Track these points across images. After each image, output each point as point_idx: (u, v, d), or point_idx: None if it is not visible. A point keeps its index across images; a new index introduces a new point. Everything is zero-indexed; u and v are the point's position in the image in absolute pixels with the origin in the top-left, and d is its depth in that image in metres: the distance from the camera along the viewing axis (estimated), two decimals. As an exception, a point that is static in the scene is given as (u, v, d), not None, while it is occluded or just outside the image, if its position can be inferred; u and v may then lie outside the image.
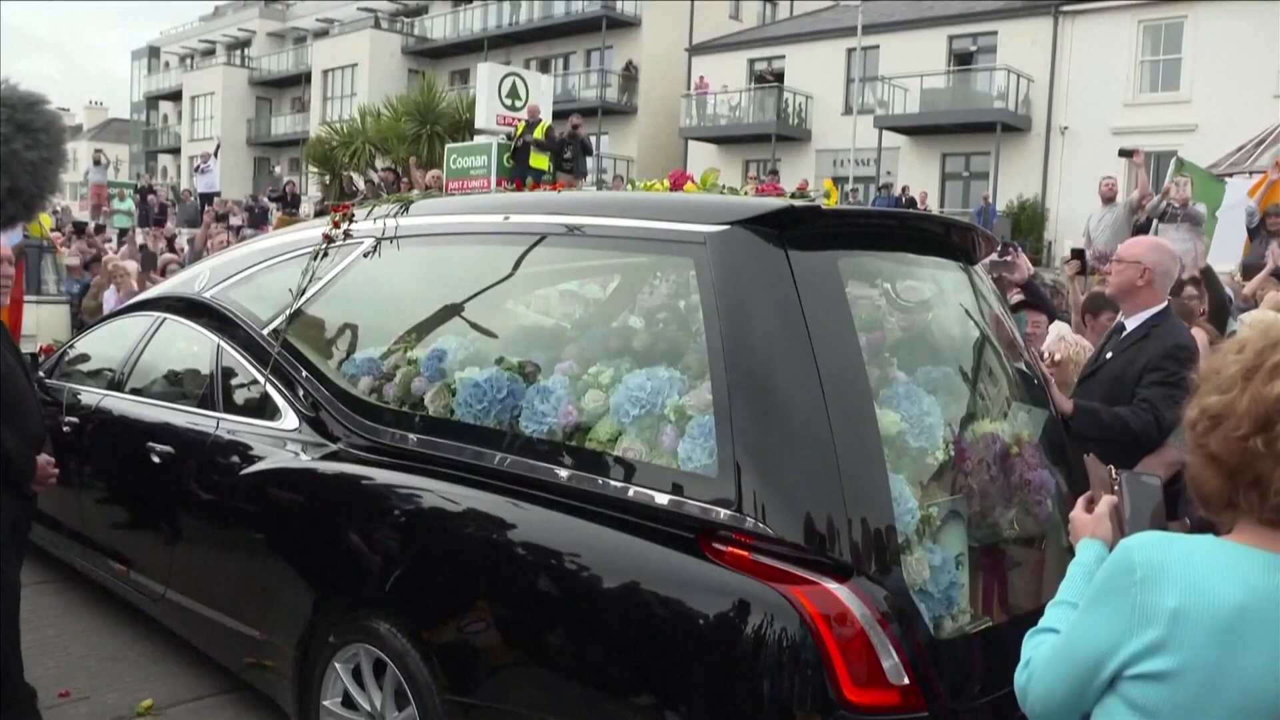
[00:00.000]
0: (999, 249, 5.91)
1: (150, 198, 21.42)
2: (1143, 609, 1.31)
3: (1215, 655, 1.26)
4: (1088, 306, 5.09)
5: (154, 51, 53.57)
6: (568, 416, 2.69)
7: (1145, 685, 1.32)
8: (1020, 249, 7.26)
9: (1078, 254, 5.72)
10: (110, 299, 8.68)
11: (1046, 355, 4.13)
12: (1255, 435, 1.29)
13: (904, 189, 22.43)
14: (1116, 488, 1.72)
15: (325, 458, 3.30)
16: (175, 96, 49.32)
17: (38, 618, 4.12)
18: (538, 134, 14.90)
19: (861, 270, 2.82)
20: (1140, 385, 3.54)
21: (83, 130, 57.85)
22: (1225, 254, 9.47)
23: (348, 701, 3.04)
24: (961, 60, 27.32)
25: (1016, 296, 5.54)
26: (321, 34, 43.12)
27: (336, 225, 3.74)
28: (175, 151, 48.26)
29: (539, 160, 14.72)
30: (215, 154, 21.76)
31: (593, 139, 19.86)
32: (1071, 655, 1.43)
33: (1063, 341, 4.29)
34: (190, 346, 4.26)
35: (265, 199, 20.59)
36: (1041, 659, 1.49)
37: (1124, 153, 11.12)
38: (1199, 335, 4.42)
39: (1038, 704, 1.50)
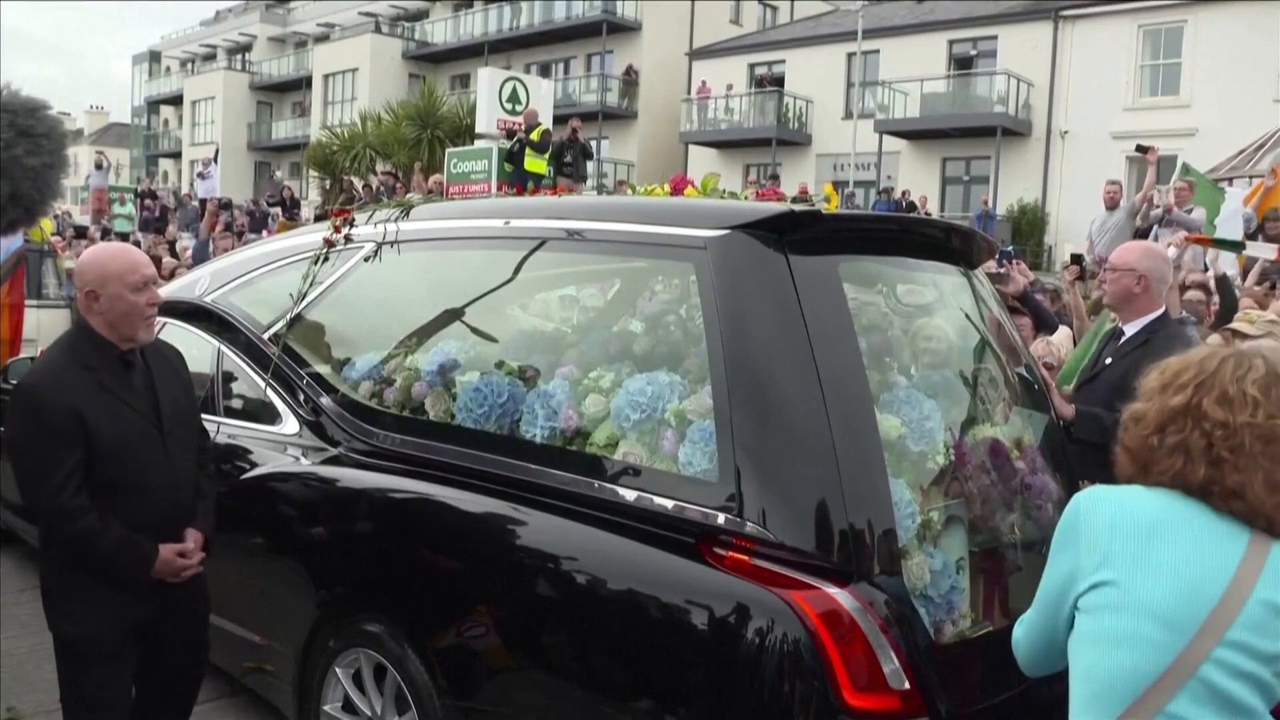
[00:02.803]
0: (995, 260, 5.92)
1: (149, 202, 21.35)
2: (1087, 534, 1.62)
3: (1138, 549, 1.57)
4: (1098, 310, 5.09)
5: (155, 56, 53.65)
6: (568, 421, 2.69)
7: (1095, 594, 1.59)
8: (1019, 259, 7.25)
9: (1076, 259, 5.69)
10: None
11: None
12: (1154, 435, 1.64)
13: (904, 193, 22.40)
14: None
15: (326, 462, 3.30)
16: (176, 101, 49.36)
17: (37, 621, 4.11)
18: (534, 137, 14.89)
19: (862, 274, 2.82)
20: None
21: (84, 135, 57.84)
22: (1223, 258, 9.52)
23: (348, 706, 3.04)
24: (962, 64, 27.33)
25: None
26: (322, 38, 43.16)
27: (337, 230, 3.74)
28: (176, 156, 48.28)
29: (535, 164, 14.68)
30: (215, 159, 21.72)
31: (593, 143, 19.86)
32: (1044, 596, 1.72)
33: (1044, 343, 4.35)
34: (190, 351, 4.24)
35: (265, 203, 20.56)
36: (1028, 612, 1.78)
37: (1141, 149, 11.12)
38: (1215, 340, 4.42)
39: (1022, 648, 1.80)
